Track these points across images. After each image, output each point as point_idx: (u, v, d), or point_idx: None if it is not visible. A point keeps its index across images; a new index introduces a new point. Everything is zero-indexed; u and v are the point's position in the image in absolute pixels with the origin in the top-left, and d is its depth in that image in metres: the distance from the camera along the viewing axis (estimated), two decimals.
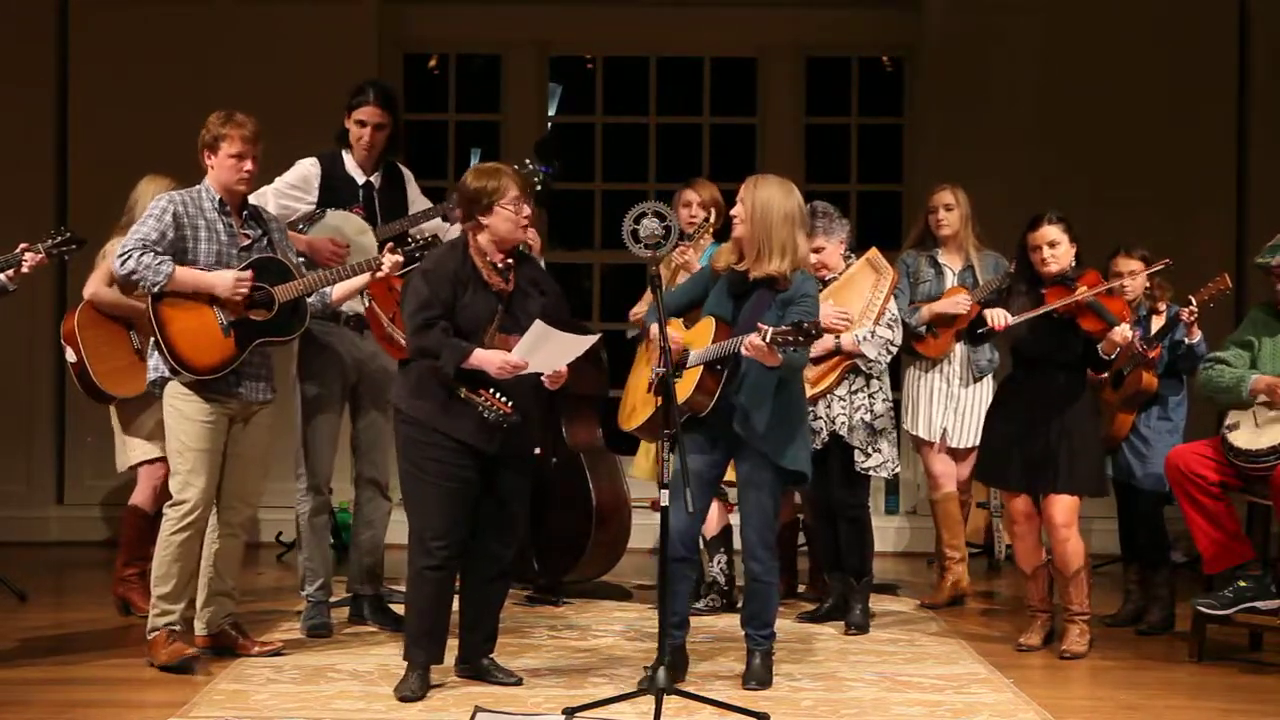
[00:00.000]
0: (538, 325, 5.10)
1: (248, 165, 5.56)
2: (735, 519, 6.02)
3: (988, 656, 5.95)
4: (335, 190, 6.21)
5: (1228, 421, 5.91)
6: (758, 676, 5.39)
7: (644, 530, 7.48)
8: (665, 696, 4.82)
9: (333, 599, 6.33)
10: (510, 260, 5.32)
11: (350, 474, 6.60)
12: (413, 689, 5.16)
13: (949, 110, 8.96)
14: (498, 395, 5.13)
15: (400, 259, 5.71)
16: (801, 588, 7.18)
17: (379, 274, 5.71)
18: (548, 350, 5.16)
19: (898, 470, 6.66)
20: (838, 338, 6.27)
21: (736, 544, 6.01)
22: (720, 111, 9.47)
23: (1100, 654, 6.07)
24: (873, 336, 6.27)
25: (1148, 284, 6.51)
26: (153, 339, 5.51)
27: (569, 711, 4.89)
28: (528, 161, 6.39)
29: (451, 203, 5.91)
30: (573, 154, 9.28)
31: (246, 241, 5.62)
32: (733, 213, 5.45)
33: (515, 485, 5.38)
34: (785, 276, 5.29)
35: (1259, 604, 5.81)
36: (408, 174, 6.43)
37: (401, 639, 5.41)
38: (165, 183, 6.32)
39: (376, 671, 5.50)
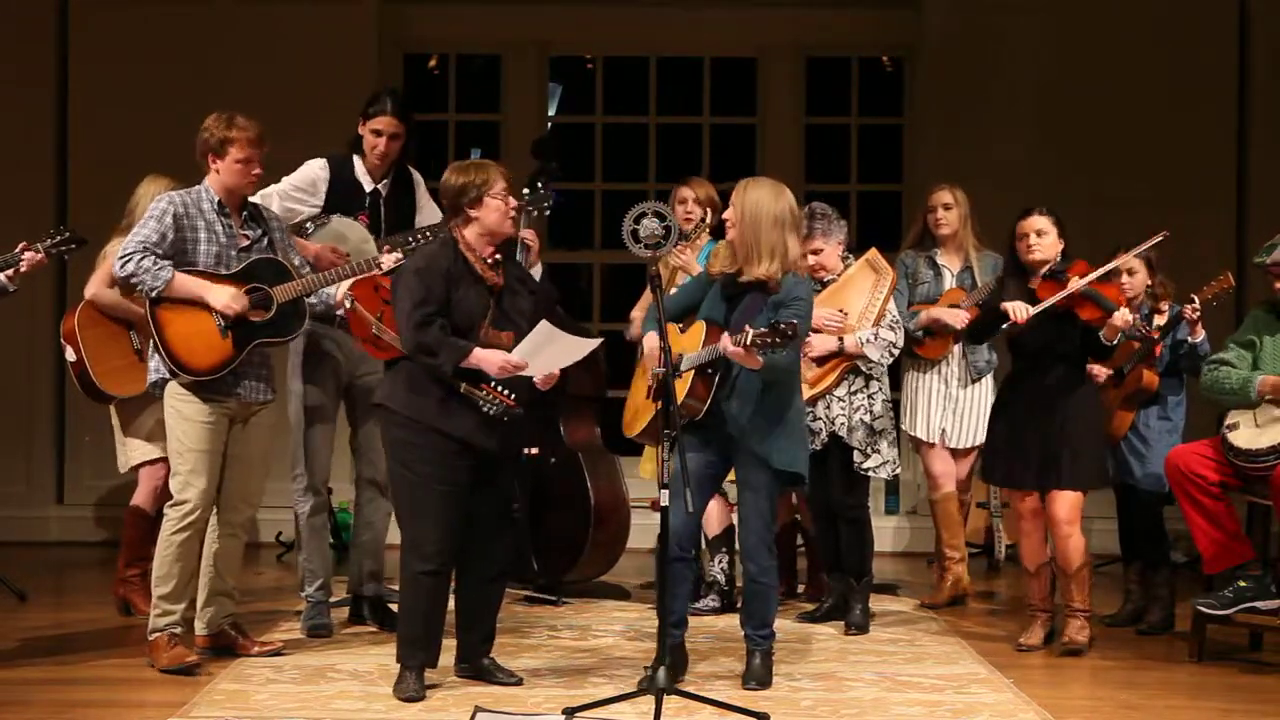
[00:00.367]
0: (543, 326, 5.06)
1: (256, 169, 5.56)
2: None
3: (988, 656, 5.94)
4: (342, 195, 6.15)
5: (1228, 421, 5.91)
6: (757, 676, 5.38)
7: (643, 530, 7.48)
8: (665, 696, 4.82)
9: (333, 599, 6.33)
10: (499, 255, 5.29)
11: (350, 474, 6.60)
12: (412, 690, 5.15)
13: (949, 110, 8.97)
14: (498, 388, 5.10)
15: (400, 255, 5.70)
16: (801, 588, 7.18)
17: (379, 273, 5.70)
18: (550, 352, 5.13)
19: (898, 471, 6.65)
20: (840, 339, 6.27)
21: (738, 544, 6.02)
22: (720, 111, 9.47)
23: (1100, 654, 6.06)
24: (876, 339, 6.27)
25: (1149, 282, 6.51)
26: (152, 340, 5.51)
27: (569, 711, 4.89)
28: (538, 185, 6.34)
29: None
30: (573, 154, 9.28)
31: (246, 242, 5.61)
32: (725, 216, 5.44)
33: (510, 484, 5.37)
34: (775, 279, 5.29)
35: (1259, 604, 5.80)
36: (418, 177, 6.36)
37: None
38: (165, 183, 6.30)
39: (376, 671, 5.49)
